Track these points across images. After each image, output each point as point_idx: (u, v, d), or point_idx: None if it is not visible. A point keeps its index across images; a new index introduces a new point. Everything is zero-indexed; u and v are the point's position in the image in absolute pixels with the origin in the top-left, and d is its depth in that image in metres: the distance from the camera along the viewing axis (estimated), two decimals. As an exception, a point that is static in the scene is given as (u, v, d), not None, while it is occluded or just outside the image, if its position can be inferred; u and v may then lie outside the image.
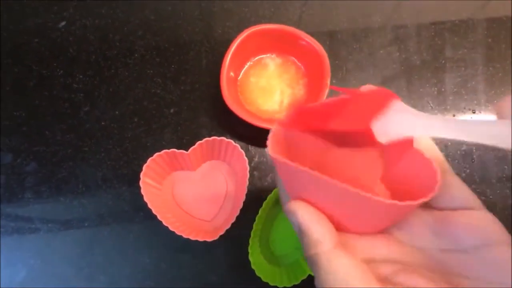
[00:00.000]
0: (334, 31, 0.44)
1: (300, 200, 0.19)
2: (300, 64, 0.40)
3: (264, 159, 0.40)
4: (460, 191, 0.18)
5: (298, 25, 0.44)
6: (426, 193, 0.16)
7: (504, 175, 0.40)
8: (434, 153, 0.18)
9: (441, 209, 0.19)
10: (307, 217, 0.18)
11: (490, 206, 0.39)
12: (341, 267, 0.17)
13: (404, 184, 0.19)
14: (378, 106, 0.17)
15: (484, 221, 0.18)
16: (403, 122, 0.16)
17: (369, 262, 0.18)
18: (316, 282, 0.18)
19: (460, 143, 0.41)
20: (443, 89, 0.42)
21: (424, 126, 0.15)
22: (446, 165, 0.19)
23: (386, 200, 0.15)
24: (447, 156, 0.40)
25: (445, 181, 0.18)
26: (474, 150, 0.40)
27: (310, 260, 0.18)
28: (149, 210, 0.34)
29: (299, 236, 0.19)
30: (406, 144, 0.17)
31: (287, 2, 0.45)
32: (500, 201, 0.39)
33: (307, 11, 0.45)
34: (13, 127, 0.41)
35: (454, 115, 0.42)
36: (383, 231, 0.19)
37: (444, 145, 0.41)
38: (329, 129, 0.19)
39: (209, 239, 0.34)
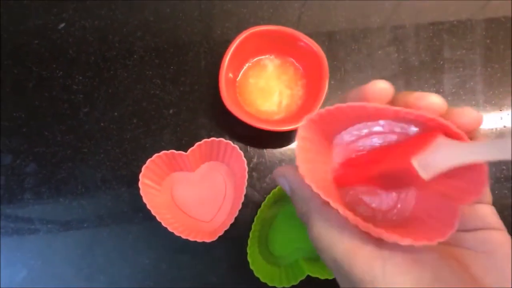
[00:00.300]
0: (333, 32, 0.44)
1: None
2: (298, 65, 0.41)
3: (263, 160, 0.40)
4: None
5: (297, 26, 0.44)
6: (443, 231, 0.16)
7: (503, 176, 0.40)
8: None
9: None
10: (297, 178, 0.20)
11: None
12: (332, 216, 0.18)
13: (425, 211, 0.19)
14: (421, 144, 0.17)
15: (485, 213, 0.19)
16: (445, 153, 0.16)
17: None
18: (311, 237, 0.19)
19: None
20: (441, 90, 0.42)
21: (467, 153, 0.15)
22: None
23: (402, 241, 0.16)
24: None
25: None
26: (473, 151, 0.41)
27: (303, 217, 0.20)
28: (148, 211, 0.34)
29: (291, 196, 0.20)
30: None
31: (286, 3, 0.45)
32: (498, 201, 0.39)
33: (306, 12, 0.45)
34: (13, 128, 0.41)
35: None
36: None
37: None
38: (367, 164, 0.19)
39: (208, 240, 0.34)
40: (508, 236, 0.18)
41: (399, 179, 0.18)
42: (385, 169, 0.18)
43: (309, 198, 0.19)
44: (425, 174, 0.16)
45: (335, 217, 0.18)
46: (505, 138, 0.15)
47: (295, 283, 0.34)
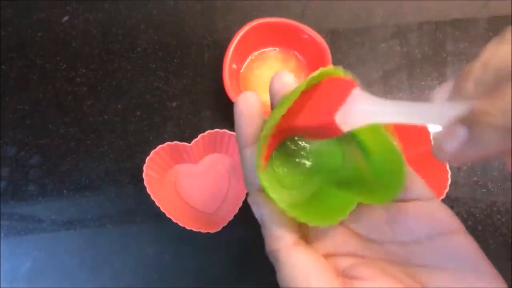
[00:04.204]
0: (336, 25, 0.44)
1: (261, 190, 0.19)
2: (301, 58, 0.41)
3: (266, 152, 0.40)
4: (413, 182, 0.19)
5: (300, 19, 0.44)
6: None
7: (506, 168, 0.40)
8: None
9: (394, 201, 0.19)
10: (269, 211, 0.18)
11: (492, 199, 0.39)
12: (300, 263, 0.17)
13: None
14: (340, 96, 0.17)
15: (436, 211, 0.18)
16: (361, 111, 0.16)
17: (329, 256, 0.19)
18: (278, 278, 0.18)
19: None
20: (444, 83, 0.42)
21: (379, 113, 0.16)
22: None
23: None
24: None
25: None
26: (476, 143, 0.41)
27: (271, 256, 0.18)
28: (152, 203, 0.34)
29: (262, 228, 0.19)
30: None
31: (289, -3, 0.45)
32: (502, 193, 0.39)
33: (309, 6, 0.45)
34: (17, 120, 0.41)
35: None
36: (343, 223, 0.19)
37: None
38: (296, 128, 0.19)
39: (211, 230, 0.34)
40: (470, 238, 0.18)
41: (322, 133, 0.18)
42: (308, 124, 0.18)
43: (278, 237, 0.18)
44: (345, 128, 0.16)
45: (302, 260, 0.17)
46: (426, 102, 0.15)
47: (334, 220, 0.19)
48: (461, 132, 0.14)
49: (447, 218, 0.18)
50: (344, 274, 0.18)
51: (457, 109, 0.14)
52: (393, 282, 0.17)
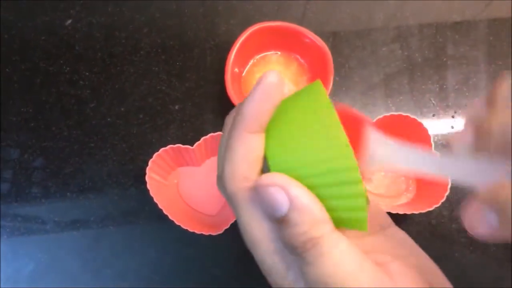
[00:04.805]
0: (337, 28, 0.45)
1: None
2: (303, 62, 0.41)
3: (268, 155, 0.41)
4: None
5: (301, 23, 0.44)
6: None
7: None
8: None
9: None
10: (304, 193, 0.15)
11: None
12: (350, 249, 0.15)
13: None
14: (355, 135, 0.16)
15: (379, 207, 0.21)
16: (385, 156, 0.16)
17: None
18: (313, 273, 0.15)
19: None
20: (445, 86, 0.43)
21: (405, 160, 0.16)
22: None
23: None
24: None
25: None
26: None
27: (308, 244, 0.15)
28: (155, 205, 0.35)
29: (288, 218, 0.15)
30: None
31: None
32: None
33: (311, 9, 0.45)
34: (21, 123, 0.41)
35: (455, 112, 0.42)
36: None
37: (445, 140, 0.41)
38: None
39: (214, 233, 0.34)
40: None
41: None
42: None
43: (322, 220, 0.15)
44: (368, 173, 0.17)
45: (351, 247, 0.16)
46: (448, 156, 0.16)
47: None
48: (491, 219, 0.13)
49: (384, 212, 0.21)
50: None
51: (483, 168, 0.14)
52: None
